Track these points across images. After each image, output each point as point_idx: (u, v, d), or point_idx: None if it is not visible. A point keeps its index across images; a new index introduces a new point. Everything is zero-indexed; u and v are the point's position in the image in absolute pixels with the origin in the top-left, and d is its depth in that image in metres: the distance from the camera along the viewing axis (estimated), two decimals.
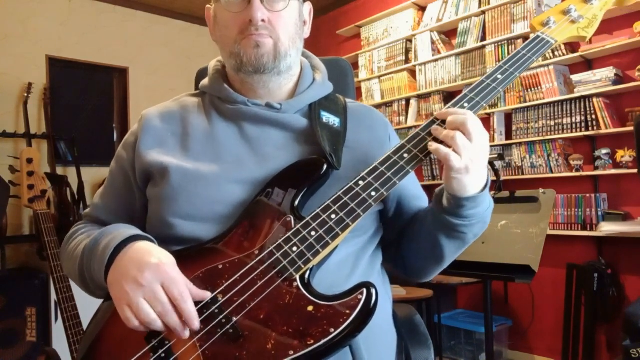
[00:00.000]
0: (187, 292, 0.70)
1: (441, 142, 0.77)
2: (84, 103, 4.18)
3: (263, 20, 0.85)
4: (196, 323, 0.69)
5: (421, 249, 0.90)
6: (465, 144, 0.75)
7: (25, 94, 3.63)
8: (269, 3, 0.86)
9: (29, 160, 2.02)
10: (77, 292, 1.76)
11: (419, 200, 0.96)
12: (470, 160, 0.75)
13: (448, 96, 3.75)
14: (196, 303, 0.71)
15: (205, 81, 0.99)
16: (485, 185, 0.80)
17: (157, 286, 0.69)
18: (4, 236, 3.32)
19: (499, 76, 0.85)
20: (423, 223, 0.88)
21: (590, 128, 2.93)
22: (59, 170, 3.70)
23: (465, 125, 0.76)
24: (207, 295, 0.72)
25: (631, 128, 2.68)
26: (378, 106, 4.13)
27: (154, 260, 0.72)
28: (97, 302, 0.84)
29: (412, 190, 0.96)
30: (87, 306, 1.01)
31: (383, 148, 0.92)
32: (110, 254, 0.76)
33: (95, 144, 4.18)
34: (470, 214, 0.80)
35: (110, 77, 4.34)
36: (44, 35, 3.87)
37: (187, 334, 0.69)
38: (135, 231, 0.81)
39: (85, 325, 1.89)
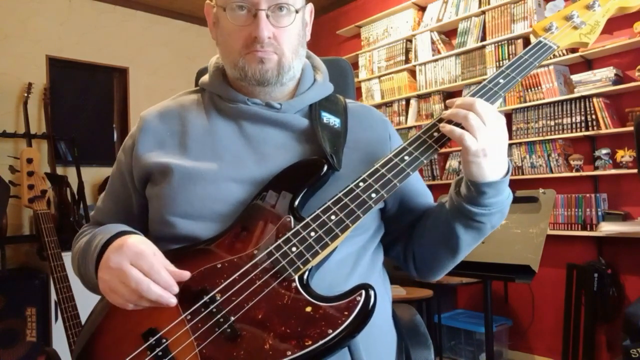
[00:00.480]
0: (159, 263, 0.71)
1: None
2: (84, 103, 4.18)
3: (269, 37, 0.84)
4: (175, 288, 0.70)
5: (435, 242, 0.88)
6: (479, 125, 0.75)
7: (25, 94, 3.64)
8: (275, 19, 0.84)
9: (29, 160, 2.02)
10: (77, 292, 1.76)
11: (423, 197, 0.96)
12: (487, 143, 0.75)
13: (448, 96, 3.74)
14: (194, 301, 0.71)
15: (205, 78, 0.99)
16: (507, 173, 0.80)
17: (126, 264, 0.71)
18: (4, 236, 3.32)
19: (501, 80, 0.85)
20: (438, 216, 0.87)
21: (590, 128, 2.93)
22: (59, 170, 3.70)
23: (474, 106, 0.76)
24: (186, 274, 0.72)
25: (631, 128, 2.68)
26: (378, 106, 4.13)
27: (118, 242, 0.74)
28: None
29: (417, 187, 0.95)
30: (87, 306, 1.00)
31: (383, 147, 0.92)
32: (98, 251, 0.78)
33: (95, 144, 4.18)
34: (491, 203, 0.79)
35: (110, 77, 4.34)
36: (44, 35, 3.87)
37: (173, 301, 0.70)
38: (124, 228, 0.82)
39: None
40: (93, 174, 3.97)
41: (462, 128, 0.76)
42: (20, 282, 3.01)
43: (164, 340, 0.70)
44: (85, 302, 1.07)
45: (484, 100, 0.78)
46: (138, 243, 0.74)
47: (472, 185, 0.78)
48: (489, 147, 0.75)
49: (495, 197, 0.79)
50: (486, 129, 0.75)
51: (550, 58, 3.07)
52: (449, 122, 0.79)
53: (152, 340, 0.71)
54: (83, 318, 1.89)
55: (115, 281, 0.71)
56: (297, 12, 0.87)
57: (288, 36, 0.87)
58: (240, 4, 0.84)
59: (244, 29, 0.85)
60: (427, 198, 0.97)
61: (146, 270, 0.70)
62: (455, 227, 0.83)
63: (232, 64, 0.88)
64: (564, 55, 3.04)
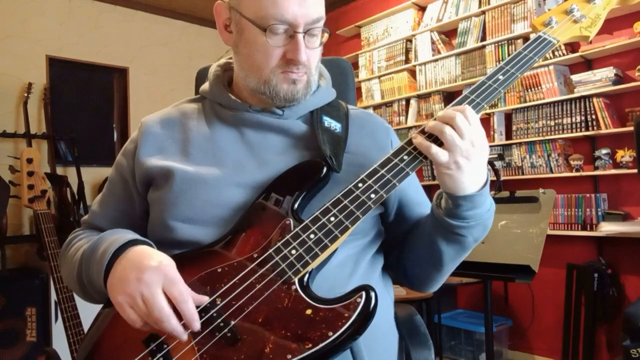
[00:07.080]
0: (187, 292, 0.70)
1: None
2: (84, 103, 4.17)
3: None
4: (196, 324, 0.69)
5: (420, 255, 0.88)
6: (454, 139, 0.74)
7: (25, 94, 3.63)
8: (309, 42, 0.83)
9: (29, 160, 2.02)
10: None
11: (422, 206, 0.95)
12: (462, 156, 0.74)
13: (448, 96, 3.74)
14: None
15: (205, 86, 0.98)
16: (484, 185, 0.79)
17: (157, 289, 0.69)
18: (4, 236, 3.31)
19: (500, 77, 0.84)
20: (424, 227, 0.87)
21: (590, 128, 2.93)
22: (59, 170, 3.70)
23: (454, 119, 0.75)
24: (205, 299, 0.71)
25: (631, 128, 2.68)
26: (378, 106, 4.13)
27: (153, 263, 0.71)
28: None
29: (414, 196, 0.95)
30: (87, 306, 1.01)
31: (384, 153, 0.92)
32: (109, 258, 0.76)
33: (95, 144, 4.18)
34: (469, 215, 0.79)
35: (110, 77, 4.34)
36: (44, 35, 3.87)
37: (185, 337, 0.69)
38: (134, 235, 0.81)
39: (85, 325, 1.90)
40: (93, 174, 3.97)
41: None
42: (20, 282, 3.01)
43: (165, 346, 0.70)
44: (85, 303, 1.07)
45: (469, 111, 0.76)
46: (173, 268, 0.72)
47: (449, 198, 0.78)
48: (463, 160, 0.74)
49: (472, 209, 0.78)
50: (463, 143, 0.74)
51: (550, 58, 3.07)
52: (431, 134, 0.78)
53: (153, 345, 0.71)
54: (83, 318, 1.90)
55: (138, 299, 0.69)
56: (324, 32, 0.86)
57: (316, 56, 0.87)
58: (280, 25, 0.81)
59: (280, 49, 0.83)
60: (425, 208, 0.95)
61: (175, 297, 0.69)
62: (437, 240, 0.83)
63: (260, 79, 0.86)
64: (564, 55, 3.03)
